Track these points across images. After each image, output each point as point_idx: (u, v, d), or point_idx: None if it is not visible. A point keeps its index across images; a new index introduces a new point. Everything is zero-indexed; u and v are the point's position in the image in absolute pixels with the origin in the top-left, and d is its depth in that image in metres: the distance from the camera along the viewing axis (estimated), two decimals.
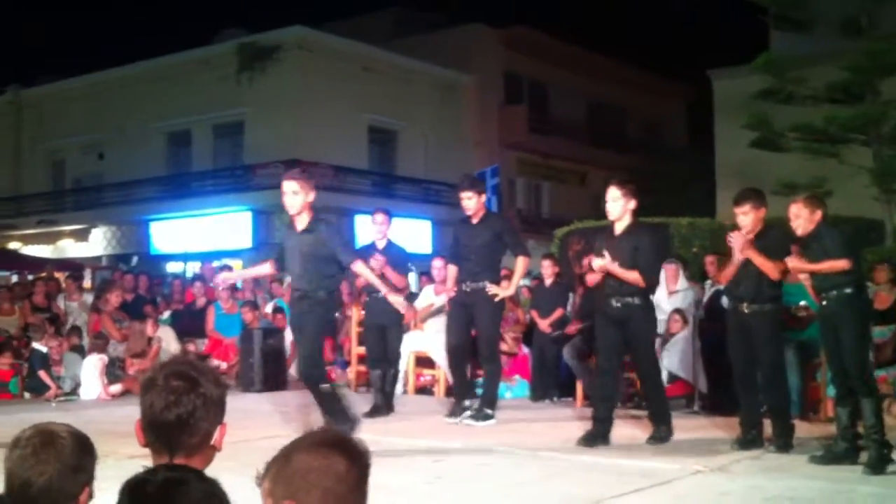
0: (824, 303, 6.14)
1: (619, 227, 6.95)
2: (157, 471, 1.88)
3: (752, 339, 6.56)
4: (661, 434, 6.91)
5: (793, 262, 6.38)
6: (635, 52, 32.38)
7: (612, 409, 7.05)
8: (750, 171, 16.32)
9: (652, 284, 7.17)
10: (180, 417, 2.17)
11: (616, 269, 6.77)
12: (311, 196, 6.70)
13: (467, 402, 8.03)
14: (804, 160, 15.02)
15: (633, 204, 6.92)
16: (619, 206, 6.89)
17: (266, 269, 7.91)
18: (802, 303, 8.24)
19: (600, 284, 6.99)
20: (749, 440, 6.57)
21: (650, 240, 7.04)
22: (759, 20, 17.98)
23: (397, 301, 7.31)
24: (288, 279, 13.36)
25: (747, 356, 6.64)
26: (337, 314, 12.32)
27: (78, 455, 2.31)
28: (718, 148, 22.08)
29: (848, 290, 5.99)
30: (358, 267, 6.93)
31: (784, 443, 6.47)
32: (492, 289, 7.82)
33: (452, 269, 8.18)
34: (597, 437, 6.79)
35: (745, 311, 6.58)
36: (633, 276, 6.77)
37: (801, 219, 6.19)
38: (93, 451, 2.38)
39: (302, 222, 6.74)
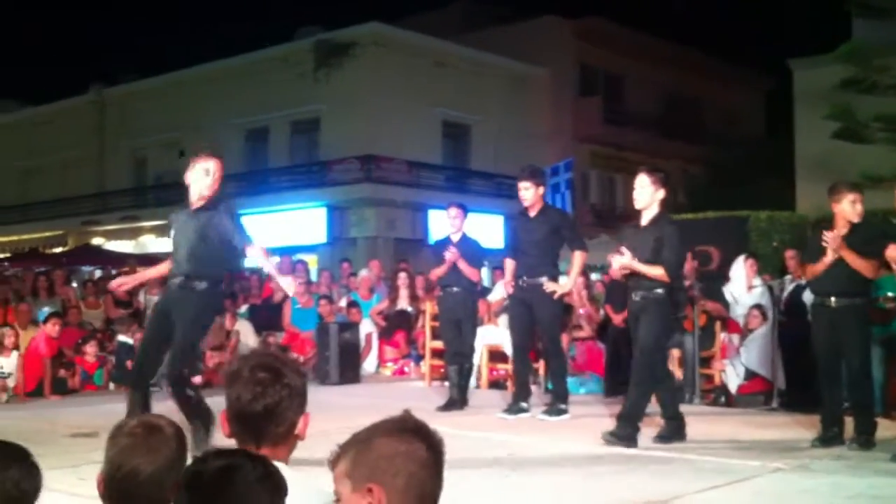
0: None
1: (645, 217, 6.71)
2: (207, 459, 1.90)
3: (839, 333, 6.41)
4: (620, 433, 6.51)
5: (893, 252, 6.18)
6: (712, 41, 31.86)
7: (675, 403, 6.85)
8: (831, 163, 15.95)
9: (675, 278, 6.78)
10: (267, 408, 2.22)
11: (636, 265, 6.52)
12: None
13: (524, 404, 7.98)
14: (888, 151, 14.62)
15: (661, 193, 6.66)
16: (647, 195, 6.64)
17: (164, 268, 6.90)
18: (890, 294, 8.02)
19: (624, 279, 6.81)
20: (830, 437, 6.43)
21: (673, 230, 6.64)
22: (840, 7, 17.55)
23: (285, 282, 6.97)
24: (363, 273, 13.54)
25: (832, 351, 6.50)
26: (410, 308, 12.44)
27: (180, 447, 2.35)
28: (798, 139, 21.62)
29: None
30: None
31: (866, 440, 6.32)
32: (549, 286, 7.71)
33: (510, 264, 8.07)
34: (672, 434, 6.67)
35: (833, 305, 6.43)
36: (656, 272, 6.49)
37: None
38: (186, 445, 2.42)
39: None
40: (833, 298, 6.44)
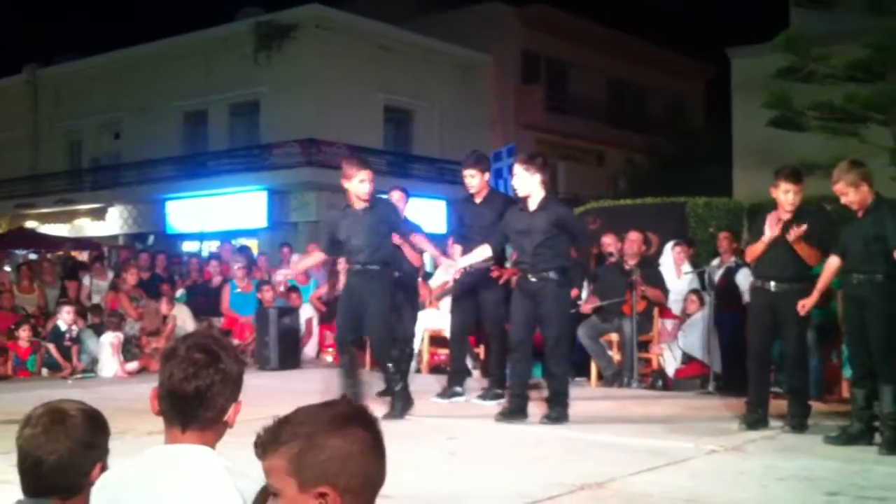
0: (854, 283, 6.03)
1: (532, 203, 6.95)
2: None
3: (777, 318, 6.48)
4: (553, 414, 6.74)
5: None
6: (656, 30, 32.14)
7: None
8: (768, 150, 16.20)
9: (568, 255, 7.07)
10: (198, 390, 2.15)
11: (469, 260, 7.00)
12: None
13: (459, 388, 8.03)
14: (824, 139, 14.87)
15: (538, 177, 6.95)
16: (525, 181, 6.95)
17: (319, 257, 8.43)
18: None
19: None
20: (755, 419, 6.51)
21: (566, 210, 7.22)
22: None
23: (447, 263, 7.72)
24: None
25: (766, 334, 6.58)
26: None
27: (90, 432, 2.31)
28: (736, 127, 21.91)
29: (880, 276, 5.85)
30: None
31: (799, 422, 6.41)
32: (497, 271, 7.75)
33: (457, 250, 8.09)
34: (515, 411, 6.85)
35: (773, 289, 6.49)
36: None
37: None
38: (105, 428, 2.39)
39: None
40: (773, 283, 6.50)
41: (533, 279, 6.83)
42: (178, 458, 2.14)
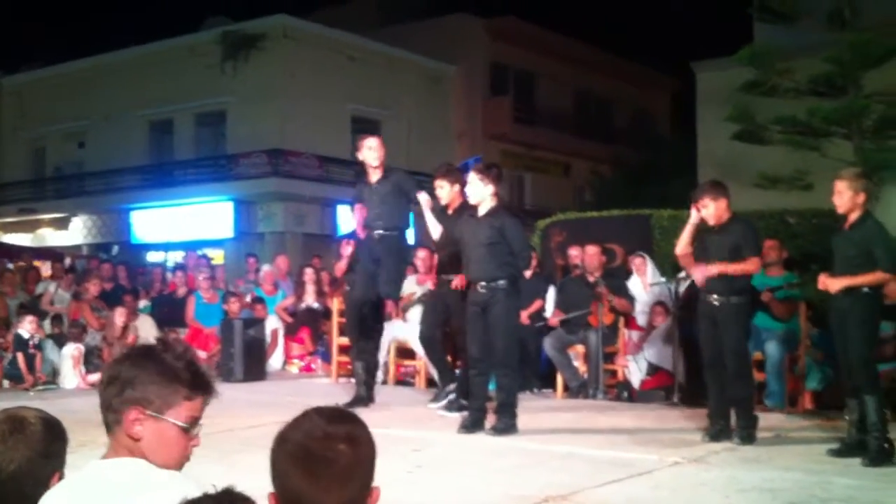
0: (839, 295, 6.01)
1: (482, 210, 6.97)
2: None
3: (719, 330, 6.56)
4: (500, 425, 6.79)
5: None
6: (623, 43, 32.44)
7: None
8: (732, 163, 16.36)
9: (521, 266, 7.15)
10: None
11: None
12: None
13: (464, 402, 8.02)
14: (786, 153, 15.04)
15: (491, 188, 6.96)
16: (478, 190, 6.97)
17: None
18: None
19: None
20: (718, 431, 6.54)
21: (513, 221, 7.11)
22: (744, 12, 17.99)
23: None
24: (266, 268, 13.35)
25: (716, 347, 6.62)
26: (317, 305, 12.30)
27: (48, 441, 2.28)
28: (701, 140, 22.10)
29: (865, 288, 5.89)
30: None
31: (748, 434, 6.43)
32: (456, 281, 7.71)
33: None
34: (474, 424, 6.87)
35: (714, 302, 6.59)
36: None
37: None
38: (63, 436, 2.36)
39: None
40: (715, 296, 6.58)
41: (481, 289, 6.86)
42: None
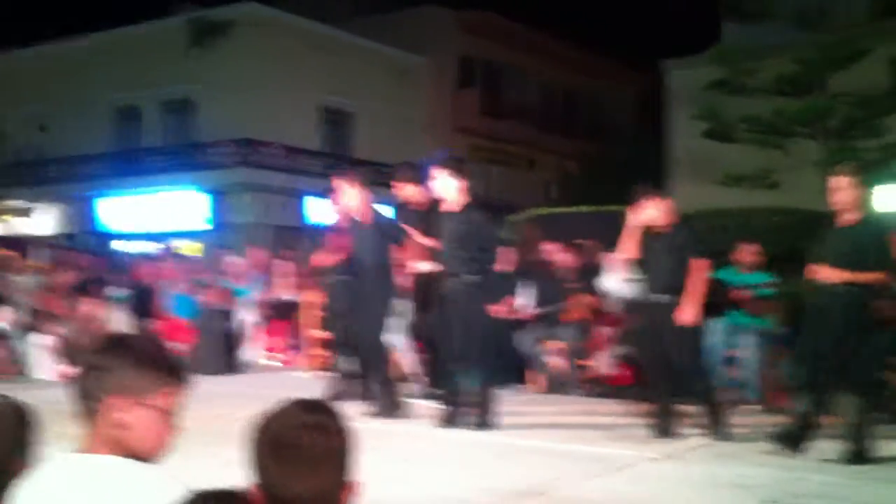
0: (826, 290, 5.95)
1: (452, 205, 7.02)
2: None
3: (662, 330, 6.57)
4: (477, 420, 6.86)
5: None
6: (591, 38, 32.58)
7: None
8: (699, 161, 16.57)
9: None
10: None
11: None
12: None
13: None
14: (753, 152, 15.24)
15: (457, 183, 7.02)
16: (445, 186, 7.02)
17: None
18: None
19: None
20: (665, 428, 6.60)
21: (483, 218, 7.11)
22: (713, 11, 18.18)
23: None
24: (233, 259, 13.30)
25: (657, 345, 6.65)
26: (291, 297, 12.26)
27: (16, 428, 2.27)
28: (669, 137, 22.33)
29: (856, 289, 5.81)
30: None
31: (720, 430, 6.50)
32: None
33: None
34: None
35: (655, 301, 6.64)
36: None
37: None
38: (33, 423, 2.33)
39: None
40: (657, 295, 6.65)
41: (450, 283, 6.91)
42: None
